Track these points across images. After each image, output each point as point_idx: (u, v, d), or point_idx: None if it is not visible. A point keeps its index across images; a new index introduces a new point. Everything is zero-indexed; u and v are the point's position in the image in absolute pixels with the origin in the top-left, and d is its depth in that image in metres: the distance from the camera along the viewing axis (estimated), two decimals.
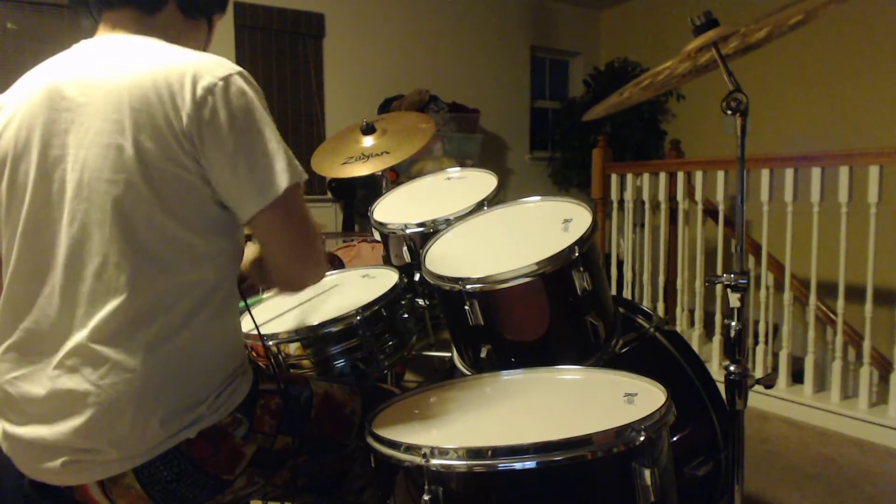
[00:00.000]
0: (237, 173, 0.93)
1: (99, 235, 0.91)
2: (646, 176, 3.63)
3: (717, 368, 3.28)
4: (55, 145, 0.94)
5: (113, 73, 0.93)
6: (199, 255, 0.95)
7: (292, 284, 1.09)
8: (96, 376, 0.90)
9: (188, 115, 0.90)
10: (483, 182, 1.72)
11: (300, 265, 1.02)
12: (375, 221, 1.68)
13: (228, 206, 0.97)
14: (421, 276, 1.42)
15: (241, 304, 1.18)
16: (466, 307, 1.28)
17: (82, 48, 1.01)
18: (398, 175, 3.90)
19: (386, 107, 4.78)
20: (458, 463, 0.90)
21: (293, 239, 1.00)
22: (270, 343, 1.39)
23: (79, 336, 0.91)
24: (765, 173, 3.04)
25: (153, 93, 0.91)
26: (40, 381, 0.93)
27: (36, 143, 0.95)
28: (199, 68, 0.93)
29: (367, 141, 2.09)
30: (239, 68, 0.97)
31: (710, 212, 3.45)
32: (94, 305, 0.91)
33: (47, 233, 0.94)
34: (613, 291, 3.93)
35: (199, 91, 0.91)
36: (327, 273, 1.81)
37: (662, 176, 3.55)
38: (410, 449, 0.93)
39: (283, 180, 0.94)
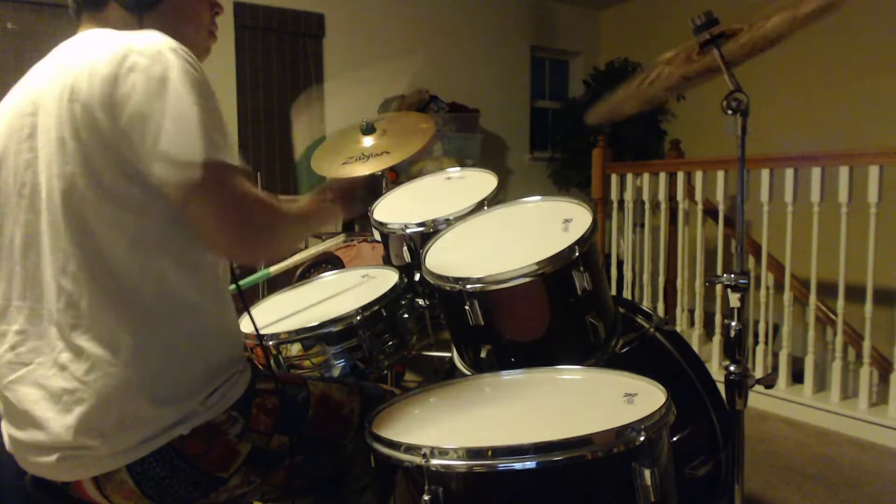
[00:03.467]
0: (152, 151, 0.88)
1: (62, 233, 0.92)
2: (646, 176, 3.63)
3: (717, 368, 3.27)
4: (25, 149, 0.96)
5: (61, 70, 0.94)
6: (158, 244, 0.94)
7: (227, 253, 1.03)
8: (81, 373, 0.92)
9: (110, 95, 0.88)
10: (483, 182, 1.72)
11: (227, 246, 0.97)
12: (375, 221, 1.68)
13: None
14: (421, 276, 1.42)
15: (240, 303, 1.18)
16: (466, 307, 1.28)
17: (54, 52, 1.03)
18: (398, 175, 3.90)
19: (386, 107, 4.78)
20: (458, 463, 0.90)
21: (216, 221, 0.92)
22: (270, 343, 1.40)
23: (63, 334, 0.93)
24: (765, 173, 3.04)
25: (86, 81, 0.90)
26: (36, 382, 0.95)
27: (12, 150, 0.97)
28: (126, 46, 0.91)
29: (367, 141, 2.09)
30: (173, 43, 0.93)
31: (710, 212, 3.45)
32: (72, 303, 0.93)
33: (29, 235, 0.96)
34: (613, 291, 3.93)
35: (124, 68, 0.89)
36: (327, 273, 1.82)
37: (662, 176, 3.55)
38: (410, 449, 0.93)
39: (196, 154, 0.88)
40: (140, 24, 1.03)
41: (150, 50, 0.91)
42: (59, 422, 0.92)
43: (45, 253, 0.94)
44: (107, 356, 0.91)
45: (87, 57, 0.92)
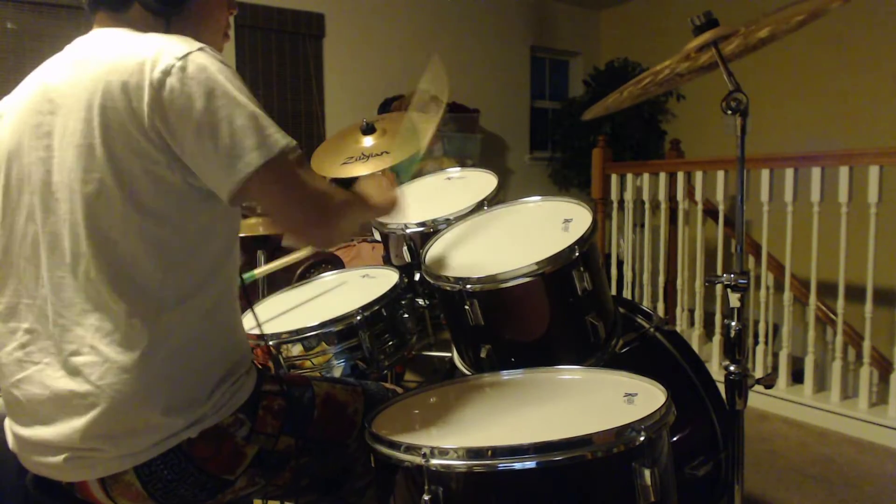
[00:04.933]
0: (206, 155, 0.89)
1: (82, 238, 0.91)
2: (646, 176, 3.63)
3: (717, 368, 3.27)
4: (41, 148, 0.94)
5: (84, 71, 0.93)
6: (184, 254, 0.95)
7: (300, 242, 1.09)
8: (96, 377, 0.91)
9: (147, 103, 0.88)
10: (483, 182, 1.72)
11: (300, 231, 1.02)
12: (375, 221, 1.68)
13: (210, 190, 0.94)
14: (421, 276, 1.42)
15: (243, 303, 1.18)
16: (466, 307, 1.28)
17: (70, 48, 1.01)
18: (398, 175, 3.89)
19: (386, 107, 4.78)
20: (458, 463, 0.90)
21: (283, 211, 0.98)
22: (271, 343, 1.40)
23: (76, 337, 0.92)
24: (765, 173, 3.04)
25: (117, 86, 0.89)
26: (43, 383, 0.94)
27: (26, 148, 0.96)
28: (158, 51, 0.90)
29: (367, 141, 2.09)
30: (201, 45, 0.93)
31: (710, 212, 3.45)
32: (85, 307, 0.92)
33: (42, 235, 0.95)
34: (613, 291, 3.93)
35: (157, 75, 0.88)
36: (327, 273, 1.82)
37: (662, 176, 3.55)
38: (410, 449, 0.93)
39: (253, 158, 0.89)
40: (166, 27, 1.03)
41: (183, 54, 0.90)
42: (68, 424, 0.92)
43: (62, 255, 0.93)
44: (122, 362, 0.91)
45: (118, 62, 0.90)
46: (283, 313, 1.57)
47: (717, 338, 3.36)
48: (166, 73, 0.88)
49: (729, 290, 1.30)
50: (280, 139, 0.92)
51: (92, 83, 0.91)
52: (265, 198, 0.96)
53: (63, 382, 0.93)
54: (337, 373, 1.42)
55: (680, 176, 3.47)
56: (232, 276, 1.04)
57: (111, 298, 0.91)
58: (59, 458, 0.94)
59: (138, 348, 0.91)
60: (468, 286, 1.27)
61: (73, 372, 0.92)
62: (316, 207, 1.00)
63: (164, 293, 0.93)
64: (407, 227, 1.58)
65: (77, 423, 0.91)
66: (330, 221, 1.02)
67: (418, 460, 0.91)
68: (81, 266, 0.92)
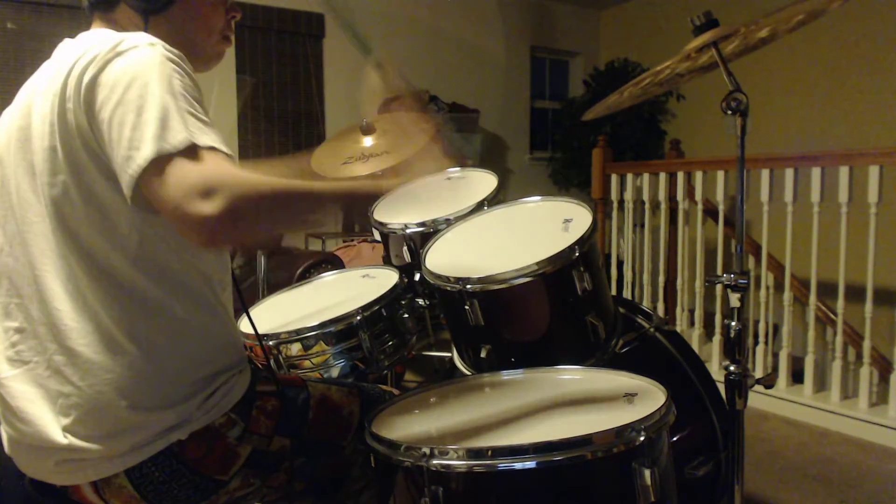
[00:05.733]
0: (112, 147, 0.84)
1: (58, 238, 0.92)
2: (646, 176, 3.63)
3: (717, 368, 3.28)
4: (27, 151, 0.95)
5: (53, 73, 0.92)
6: (153, 252, 0.93)
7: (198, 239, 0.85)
8: (77, 377, 0.92)
9: (96, 101, 0.85)
10: (483, 182, 1.72)
11: (186, 229, 0.82)
12: (375, 221, 1.68)
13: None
14: (421, 276, 1.42)
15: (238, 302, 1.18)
16: (466, 307, 1.28)
17: (56, 51, 1.00)
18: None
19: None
20: (458, 463, 0.90)
21: (170, 210, 0.81)
22: (270, 343, 1.40)
23: (59, 337, 0.93)
24: (765, 173, 3.04)
25: (70, 85, 0.87)
26: (30, 382, 0.95)
27: (13, 151, 0.97)
28: (107, 47, 0.87)
29: (367, 141, 2.09)
30: (153, 40, 0.88)
31: (710, 212, 3.45)
32: (62, 306, 0.92)
33: (27, 237, 0.95)
34: (613, 291, 3.93)
35: (95, 70, 0.85)
36: (327, 273, 1.82)
37: (662, 176, 3.55)
38: (410, 449, 0.93)
39: (147, 150, 0.80)
40: (146, 27, 1.01)
41: (126, 48, 0.87)
42: (52, 424, 0.93)
43: (44, 256, 0.94)
44: (102, 362, 0.91)
45: (75, 61, 0.89)
46: (283, 313, 1.57)
47: (717, 338, 3.37)
48: (101, 68, 0.86)
49: (729, 290, 1.31)
50: (179, 133, 0.81)
51: (54, 85, 0.90)
52: (157, 197, 0.82)
53: (50, 382, 0.93)
54: (335, 373, 1.42)
55: (680, 176, 3.47)
56: (217, 275, 1.03)
57: (91, 298, 0.92)
58: (50, 462, 0.94)
59: (119, 348, 0.92)
60: (468, 286, 1.26)
61: (57, 371, 0.93)
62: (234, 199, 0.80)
63: (142, 292, 0.93)
64: (407, 227, 1.58)
65: (62, 423, 0.92)
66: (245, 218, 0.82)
67: (418, 460, 0.91)
68: (61, 267, 0.92)
